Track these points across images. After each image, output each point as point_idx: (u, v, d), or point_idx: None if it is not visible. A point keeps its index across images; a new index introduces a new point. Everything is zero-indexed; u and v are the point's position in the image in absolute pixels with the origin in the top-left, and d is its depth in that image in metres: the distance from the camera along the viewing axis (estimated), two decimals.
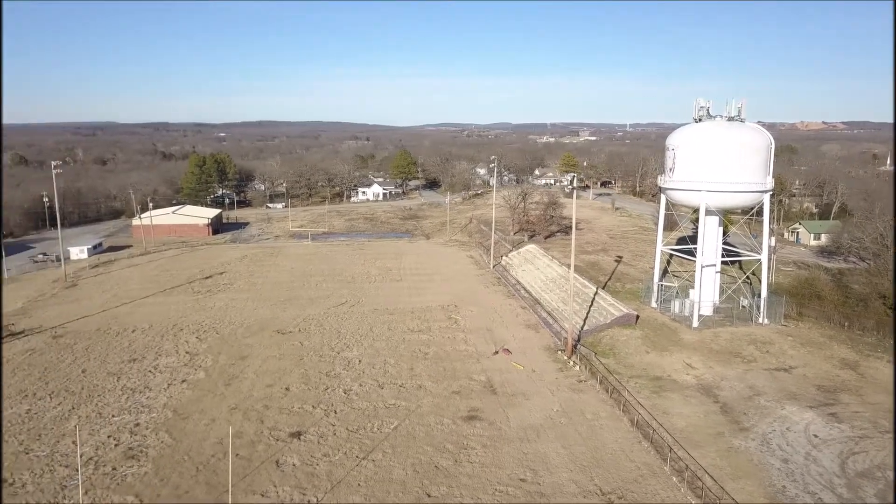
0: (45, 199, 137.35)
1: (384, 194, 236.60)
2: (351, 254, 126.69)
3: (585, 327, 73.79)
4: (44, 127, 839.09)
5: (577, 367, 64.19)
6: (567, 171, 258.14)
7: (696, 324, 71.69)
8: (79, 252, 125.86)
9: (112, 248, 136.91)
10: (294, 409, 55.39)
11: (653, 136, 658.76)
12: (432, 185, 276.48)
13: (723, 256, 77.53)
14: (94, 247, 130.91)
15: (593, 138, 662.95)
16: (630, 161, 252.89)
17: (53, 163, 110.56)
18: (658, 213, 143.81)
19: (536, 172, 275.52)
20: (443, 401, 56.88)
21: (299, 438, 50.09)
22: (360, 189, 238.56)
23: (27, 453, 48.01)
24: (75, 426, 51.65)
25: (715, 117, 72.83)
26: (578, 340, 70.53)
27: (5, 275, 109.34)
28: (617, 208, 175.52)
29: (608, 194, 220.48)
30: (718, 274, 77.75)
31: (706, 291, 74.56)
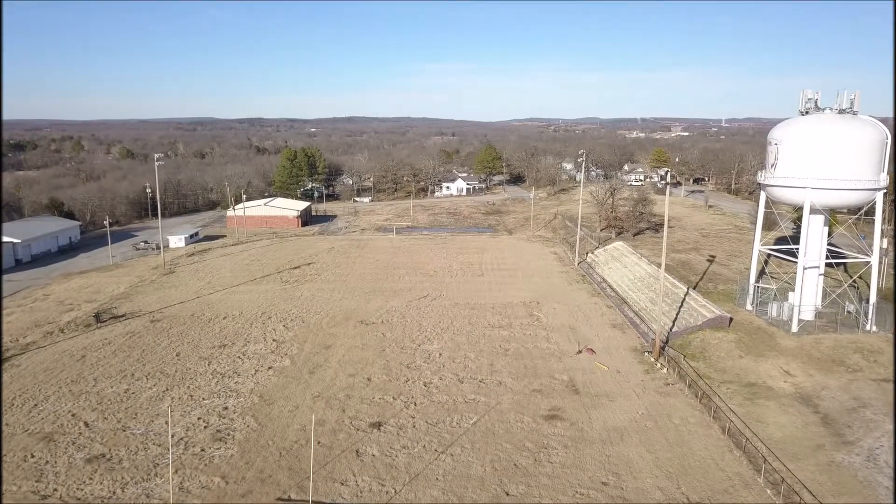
0: (148, 191, 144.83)
1: (468, 189, 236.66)
2: (434, 248, 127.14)
3: (674, 329, 70.88)
4: (150, 123, 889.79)
5: (665, 370, 61.68)
6: (657, 167, 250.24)
7: (795, 329, 67.47)
8: (177, 241, 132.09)
9: (208, 238, 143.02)
10: (375, 399, 55.79)
11: (750, 131, 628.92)
12: (516, 180, 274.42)
13: (827, 258, 72.62)
14: (191, 236, 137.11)
15: (686, 134, 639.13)
16: (725, 157, 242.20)
17: (156, 156, 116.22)
18: (755, 211, 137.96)
19: (625, 168, 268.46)
20: (523, 398, 55.88)
21: (379, 429, 50.35)
22: (445, 184, 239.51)
23: (124, 430, 50.38)
24: (168, 407, 54.04)
25: (824, 110, 68.05)
26: (667, 342, 67.82)
27: (110, 261, 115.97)
28: (710, 206, 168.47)
29: (701, 191, 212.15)
30: (821, 276, 72.88)
31: (808, 295, 70.02)
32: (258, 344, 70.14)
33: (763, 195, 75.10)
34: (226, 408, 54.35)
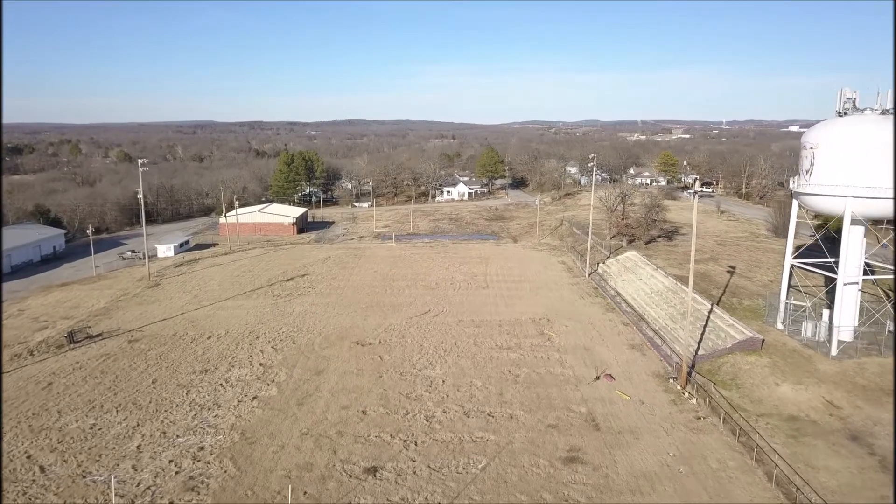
0: (140, 196, 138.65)
1: (469, 193, 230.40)
2: (435, 257, 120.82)
3: (700, 351, 64.54)
4: (149, 126, 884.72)
5: (694, 400, 55.35)
6: (664, 171, 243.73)
7: (834, 351, 61.19)
8: (165, 250, 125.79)
9: (199, 246, 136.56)
10: (370, 437, 49.49)
11: (751, 133, 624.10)
12: (518, 183, 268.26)
13: (865, 272, 66.23)
14: (181, 245, 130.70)
15: (687, 136, 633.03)
16: (733, 160, 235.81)
17: (140, 161, 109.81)
18: (771, 217, 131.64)
19: (631, 171, 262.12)
20: (538, 436, 49.58)
21: (374, 476, 44.06)
22: (446, 188, 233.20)
23: (84, 477, 44.16)
24: (137, 447, 47.88)
25: (864, 110, 61.89)
26: (693, 367, 61.49)
27: (94, 272, 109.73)
28: (722, 211, 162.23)
29: (710, 195, 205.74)
30: (860, 292, 66.53)
31: (846, 313, 63.70)
32: (243, 368, 63.87)
33: (795, 203, 68.84)
34: (202, 448, 48.08)
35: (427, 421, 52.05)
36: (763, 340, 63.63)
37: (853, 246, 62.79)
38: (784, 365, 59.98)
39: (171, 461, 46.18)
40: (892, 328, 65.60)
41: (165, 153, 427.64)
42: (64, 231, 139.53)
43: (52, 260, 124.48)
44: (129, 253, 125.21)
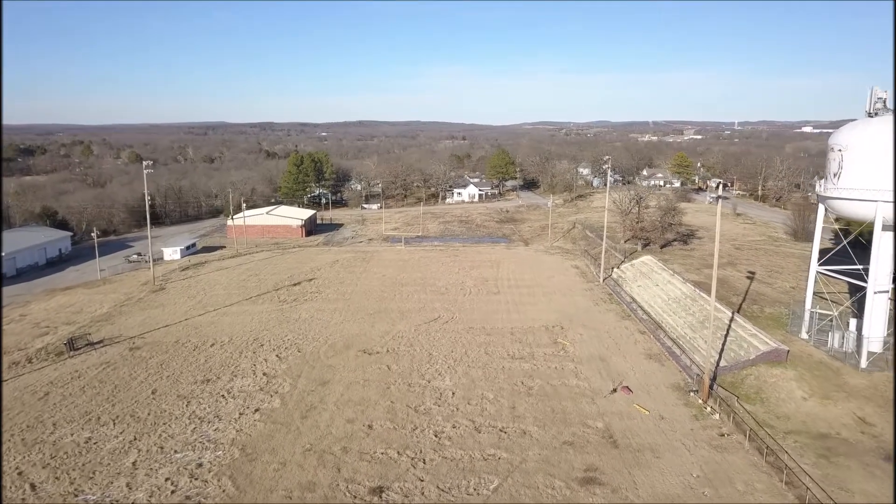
0: (148, 198, 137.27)
1: (480, 195, 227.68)
2: (445, 261, 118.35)
3: (722, 363, 61.69)
4: (161, 127, 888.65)
5: (717, 416, 52.60)
6: (678, 172, 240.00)
7: (864, 364, 58.28)
8: (172, 253, 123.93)
9: (206, 249, 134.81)
10: (377, 454, 47.13)
11: (764, 134, 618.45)
12: (530, 185, 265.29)
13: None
14: (188, 247, 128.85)
15: (699, 137, 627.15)
16: (748, 162, 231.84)
17: (145, 162, 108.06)
18: (790, 220, 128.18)
19: (644, 173, 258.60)
20: (552, 453, 47.04)
21: (380, 496, 41.71)
22: (456, 190, 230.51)
23: (76, 496, 42.12)
24: (133, 463, 45.73)
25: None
26: (714, 379, 58.71)
27: (98, 276, 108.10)
28: (738, 214, 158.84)
29: (726, 198, 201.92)
30: (890, 301, 63.55)
31: (877, 323, 60.75)
32: (246, 378, 61.68)
33: (821, 208, 65.90)
34: (200, 465, 45.91)
35: (436, 436, 49.63)
36: (788, 351, 60.75)
37: (884, 253, 59.86)
38: (811, 378, 57.11)
39: (167, 479, 44.05)
40: None
41: (176, 154, 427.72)
42: (70, 233, 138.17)
43: (57, 263, 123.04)
44: (135, 256, 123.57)
